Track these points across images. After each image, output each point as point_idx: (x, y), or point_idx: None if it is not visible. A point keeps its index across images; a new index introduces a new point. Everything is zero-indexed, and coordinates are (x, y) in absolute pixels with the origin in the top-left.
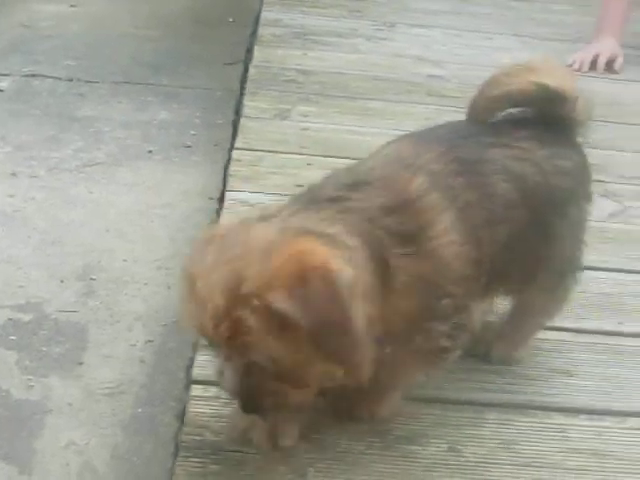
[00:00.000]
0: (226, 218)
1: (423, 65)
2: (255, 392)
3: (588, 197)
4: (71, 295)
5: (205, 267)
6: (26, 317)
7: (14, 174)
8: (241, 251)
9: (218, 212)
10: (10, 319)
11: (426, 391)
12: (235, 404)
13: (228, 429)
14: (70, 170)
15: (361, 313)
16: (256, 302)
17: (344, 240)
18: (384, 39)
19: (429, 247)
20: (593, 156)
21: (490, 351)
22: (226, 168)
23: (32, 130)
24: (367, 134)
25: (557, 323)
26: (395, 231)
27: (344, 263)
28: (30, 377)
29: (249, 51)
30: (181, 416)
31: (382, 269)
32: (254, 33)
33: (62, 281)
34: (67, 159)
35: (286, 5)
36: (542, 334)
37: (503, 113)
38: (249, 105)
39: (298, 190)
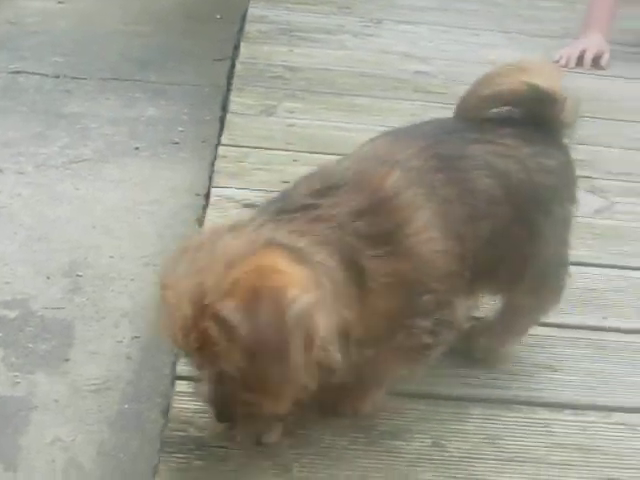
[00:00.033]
0: (211, 215)
1: (410, 61)
2: (228, 401)
3: (572, 198)
4: (57, 292)
5: (175, 277)
6: (12, 314)
7: (0, 170)
8: (208, 262)
9: (205, 209)
10: None
11: (410, 386)
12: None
13: (212, 425)
14: (57, 166)
15: (301, 349)
16: (212, 311)
17: (312, 254)
18: (371, 35)
19: (406, 245)
20: (580, 152)
21: (475, 346)
22: (213, 164)
23: (19, 127)
24: (353, 130)
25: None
26: (367, 233)
27: (304, 288)
28: (16, 374)
29: (237, 48)
30: (167, 412)
31: (356, 273)
32: (241, 30)
33: (48, 277)
34: (54, 156)
35: (272, 2)
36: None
37: (491, 112)
38: (235, 101)
39: (284, 186)
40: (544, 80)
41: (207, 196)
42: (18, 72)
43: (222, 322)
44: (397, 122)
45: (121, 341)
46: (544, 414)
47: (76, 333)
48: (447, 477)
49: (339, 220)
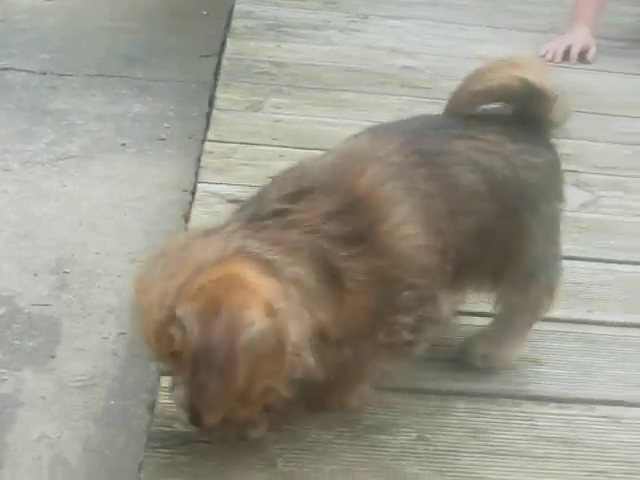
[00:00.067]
0: (197, 210)
1: (396, 56)
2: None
3: (560, 197)
4: (44, 288)
5: (149, 281)
6: None
7: None
8: (179, 268)
9: (191, 204)
10: None
11: (395, 380)
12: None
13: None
14: (43, 163)
15: (249, 370)
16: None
17: (282, 263)
18: (357, 31)
19: (383, 242)
20: (565, 146)
21: (474, 354)
22: (200, 160)
23: (5, 123)
24: (340, 125)
25: None
26: (339, 234)
27: (268, 305)
28: (3, 371)
29: (224, 44)
30: (153, 408)
31: (330, 276)
32: (228, 26)
33: (35, 274)
34: (40, 152)
35: None
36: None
37: (481, 108)
38: (221, 97)
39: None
40: (536, 76)
41: (194, 192)
42: (6, 69)
43: (181, 326)
44: (383, 117)
45: (107, 337)
46: (529, 407)
47: (63, 330)
48: (432, 470)
49: (310, 225)
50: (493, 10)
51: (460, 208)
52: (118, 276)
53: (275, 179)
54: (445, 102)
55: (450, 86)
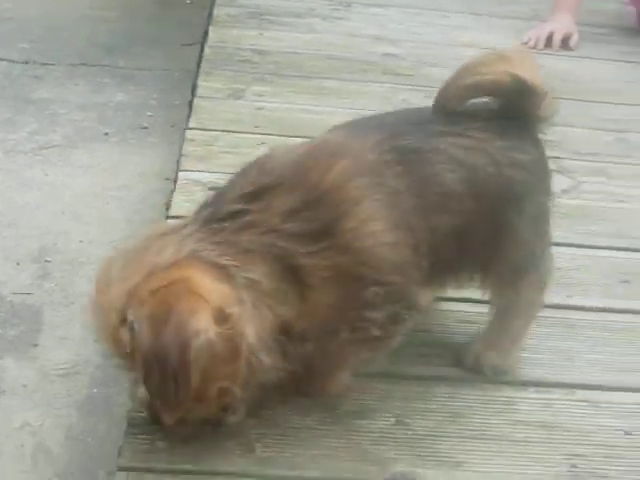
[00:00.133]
0: (178, 198)
1: (379, 44)
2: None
3: (547, 192)
4: (26, 277)
5: (107, 282)
6: None
7: None
8: (134, 270)
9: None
10: None
11: (375, 366)
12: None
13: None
14: (25, 152)
15: (201, 376)
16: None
17: (236, 266)
18: (340, 19)
19: (345, 239)
20: (547, 133)
21: (480, 361)
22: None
23: None
24: (322, 113)
25: None
26: (300, 232)
27: (217, 311)
28: None
29: (207, 32)
30: None
31: (290, 274)
32: (211, 14)
33: (18, 263)
34: (22, 142)
35: None
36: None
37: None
38: (203, 85)
39: None
40: (527, 72)
41: (176, 180)
42: None
43: (131, 329)
44: (366, 105)
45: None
46: (508, 392)
47: (45, 318)
48: (411, 455)
49: (268, 224)
50: None
51: (433, 206)
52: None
53: (237, 175)
54: (427, 89)
55: (432, 73)
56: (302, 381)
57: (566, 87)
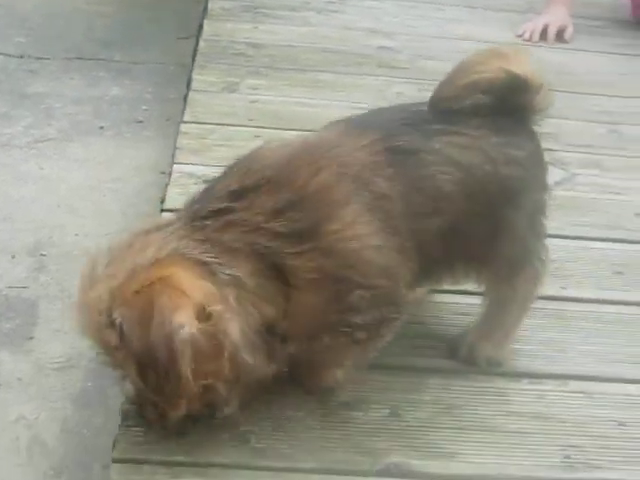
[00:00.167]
0: (172, 191)
1: (374, 37)
2: (140, 401)
3: (543, 187)
4: (22, 271)
5: (91, 281)
6: None
7: None
8: (117, 268)
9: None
10: None
11: (366, 360)
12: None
13: None
14: (21, 146)
15: (191, 367)
16: (112, 318)
17: (218, 264)
18: (335, 12)
19: (329, 242)
20: (542, 125)
21: (474, 353)
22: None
23: None
24: (317, 106)
25: None
26: (285, 232)
27: (199, 308)
28: None
29: (202, 25)
30: None
31: (275, 273)
32: (206, 7)
33: (13, 257)
34: (18, 135)
35: None
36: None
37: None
38: (197, 79)
39: None
40: (522, 68)
41: (171, 174)
42: None
43: (119, 329)
44: (361, 98)
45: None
46: (501, 383)
47: (40, 312)
48: (404, 446)
49: (253, 223)
50: None
51: (424, 209)
52: None
53: (225, 171)
54: (422, 82)
55: (427, 66)
56: (298, 375)
57: (561, 79)
